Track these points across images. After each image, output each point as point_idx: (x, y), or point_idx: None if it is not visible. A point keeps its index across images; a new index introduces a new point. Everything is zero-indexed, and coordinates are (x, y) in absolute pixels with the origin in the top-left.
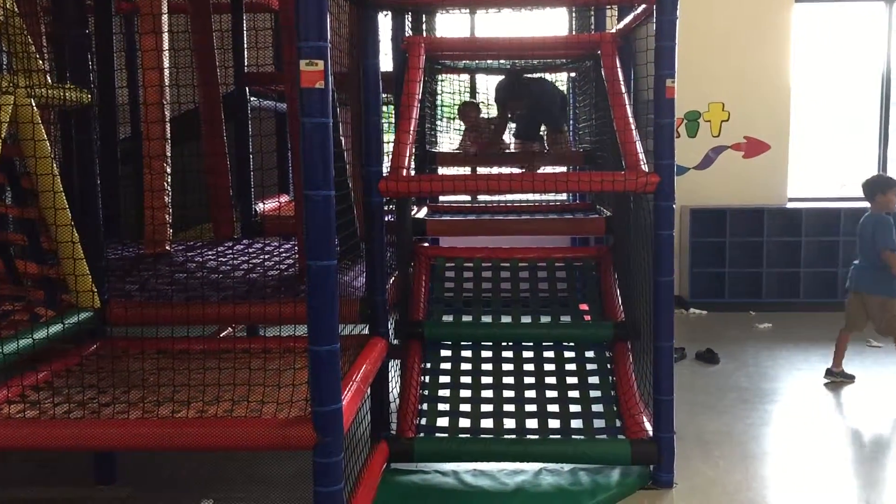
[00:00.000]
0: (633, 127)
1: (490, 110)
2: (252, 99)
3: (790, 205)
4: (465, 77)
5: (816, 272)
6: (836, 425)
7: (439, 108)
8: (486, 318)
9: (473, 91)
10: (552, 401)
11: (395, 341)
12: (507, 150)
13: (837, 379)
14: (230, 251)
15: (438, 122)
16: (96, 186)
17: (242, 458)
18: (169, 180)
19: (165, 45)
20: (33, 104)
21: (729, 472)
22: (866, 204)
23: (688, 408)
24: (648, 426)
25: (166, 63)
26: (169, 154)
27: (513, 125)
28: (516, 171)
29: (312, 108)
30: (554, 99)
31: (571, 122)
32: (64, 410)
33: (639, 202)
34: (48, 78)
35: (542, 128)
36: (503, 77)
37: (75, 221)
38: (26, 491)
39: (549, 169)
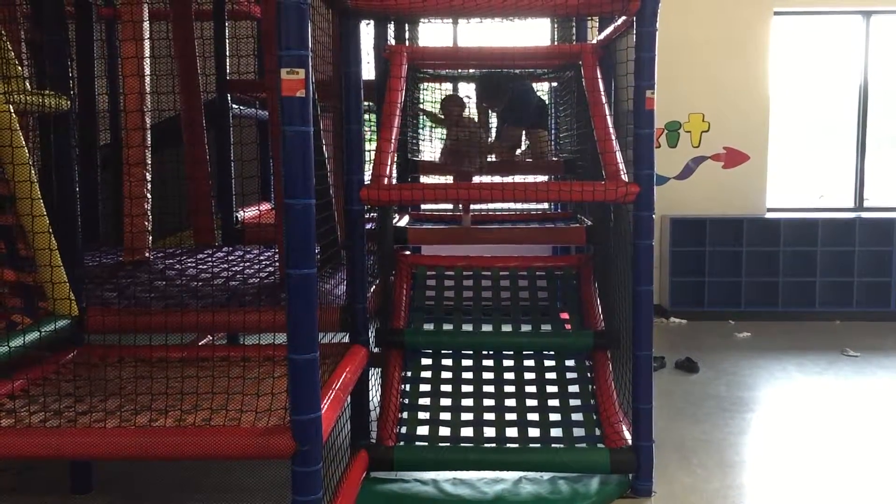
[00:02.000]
0: (613, 137)
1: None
2: (234, 106)
3: (769, 215)
4: (448, 86)
5: (795, 282)
6: (813, 434)
7: (421, 116)
8: (467, 327)
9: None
10: (532, 409)
11: (376, 349)
12: (490, 160)
13: None
14: (210, 259)
15: (420, 131)
16: (75, 193)
17: (221, 466)
18: (149, 187)
19: (147, 52)
20: (11, 110)
21: (707, 480)
22: (843, 215)
23: (667, 416)
24: (627, 435)
25: (147, 70)
26: (149, 161)
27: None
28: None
29: (293, 116)
30: (530, 98)
31: (553, 131)
32: (40, 419)
33: (619, 212)
34: (27, 84)
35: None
36: (479, 76)
37: (53, 228)
38: (1, 501)
39: (530, 178)
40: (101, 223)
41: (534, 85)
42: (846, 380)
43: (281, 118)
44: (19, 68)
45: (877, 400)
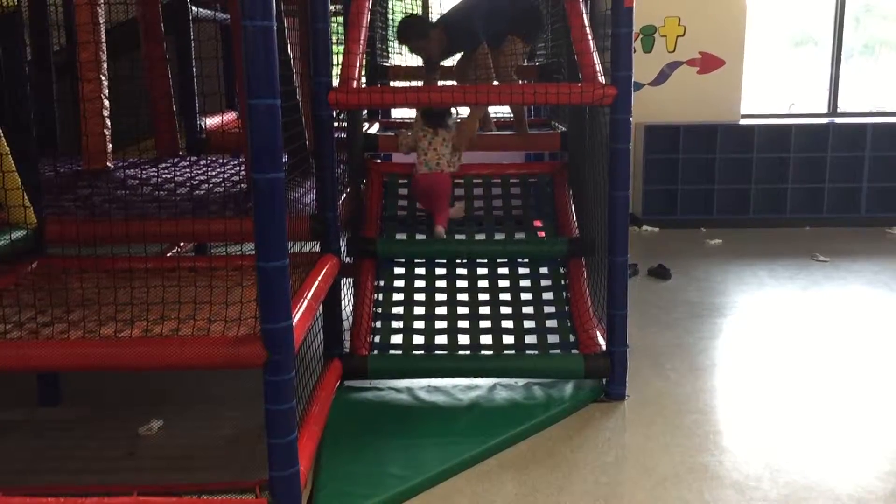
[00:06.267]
0: (590, 38)
1: None
2: (193, 8)
3: (743, 121)
4: None
5: (767, 189)
6: (783, 337)
7: (392, 15)
8: None
9: (426, 6)
10: (506, 317)
11: (348, 259)
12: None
13: None
14: (174, 168)
15: (390, 35)
16: (27, 96)
17: (191, 378)
18: (106, 92)
19: None
20: None
21: (679, 384)
22: (818, 121)
23: (640, 322)
24: (601, 340)
25: None
26: (104, 60)
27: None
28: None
29: (254, 10)
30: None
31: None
32: (0, 331)
33: (595, 116)
34: None
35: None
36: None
37: (4, 134)
38: None
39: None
40: (57, 132)
41: None
42: (815, 284)
43: (241, 12)
44: None
45: (845, 303)
